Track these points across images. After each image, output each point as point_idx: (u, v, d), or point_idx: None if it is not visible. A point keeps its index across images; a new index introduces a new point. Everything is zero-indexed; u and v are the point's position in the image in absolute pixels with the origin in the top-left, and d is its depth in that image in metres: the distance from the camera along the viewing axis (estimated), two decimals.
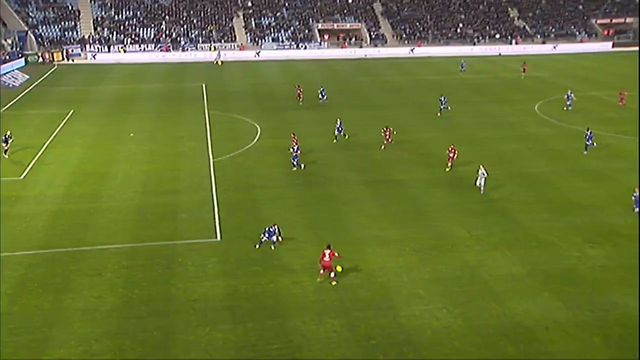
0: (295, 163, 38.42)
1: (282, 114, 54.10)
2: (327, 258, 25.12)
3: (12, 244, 28.36)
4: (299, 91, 57.53)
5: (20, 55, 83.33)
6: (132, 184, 36.41)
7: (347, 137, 45.35)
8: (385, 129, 40.58)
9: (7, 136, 41.88)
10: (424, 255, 27.69)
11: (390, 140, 42.37)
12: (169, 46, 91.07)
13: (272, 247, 27.92)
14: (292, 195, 34.71)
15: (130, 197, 34.33)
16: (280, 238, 27.94)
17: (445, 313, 23.34)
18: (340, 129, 45.16)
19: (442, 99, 53.02)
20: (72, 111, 54.71)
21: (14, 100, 59.79)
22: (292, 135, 40.87)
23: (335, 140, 44.79)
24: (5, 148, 41.39)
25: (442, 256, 27.66)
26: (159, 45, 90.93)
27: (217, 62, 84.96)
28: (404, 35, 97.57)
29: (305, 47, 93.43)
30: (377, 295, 24.52)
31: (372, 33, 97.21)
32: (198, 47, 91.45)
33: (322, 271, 25.30)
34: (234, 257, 27.49)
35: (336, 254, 25.21)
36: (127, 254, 27.63)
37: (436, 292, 24.73)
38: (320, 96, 56.62)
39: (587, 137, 41.35)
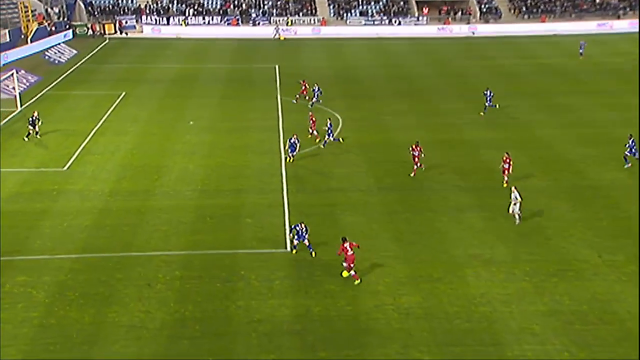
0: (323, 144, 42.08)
1: (369, 103, 54.26)
2: (351, 252, 26.71)
3: (52, 245, 29.90)
4: (303, 87, 54.06)
5: (67, 27, 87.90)
6: (189, 180, 37.56)
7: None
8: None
9: (34, 118, 44.31)
10: (540, 282, 26.96)
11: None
12: (238, 19, 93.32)
13: (313, 254, 28.63)
14: (377, 201, 34.74)
15: (187, 196, 35.44)
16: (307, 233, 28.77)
17: (567, 357, 22.61)
18: None
19: (488, 93, 50.43)
20: (123, 93, 57.08)
21: (59, 79, 63.09)
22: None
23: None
24: (30, 131, 43.79)
25: (563, 284, 26.83)
26: (226, 18, 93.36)
27: (277, 38, 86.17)
28: (524, 9, 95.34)
29: (400, 23, 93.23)
30: (478, 328, 24.09)
31: (483, 6, 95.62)
32: (272, 20, 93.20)
33: (351, 270, 26.85)
34: (305, 271, 27.77)
35: (354, 244, 27.03)
36: (181, 263, 28.47)
37: (555, 328, 24.00)
38: (314, 97, 51.84)
39: (629, 146, 38.50)
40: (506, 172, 36.22)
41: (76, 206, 34.12)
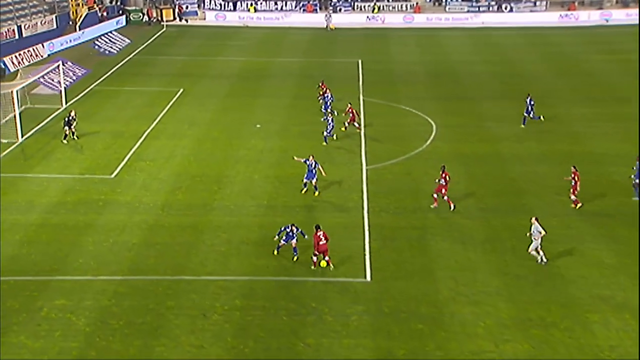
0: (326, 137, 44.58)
1: (469, 106, 53.72)
2: (323, 241, 29.70)
3: (96, 265, 30.65)
4: (323, 89, 52.56)
5: (120, 12, 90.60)
6: (254, 193, 37.96)
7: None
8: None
9: (69, 118, 45.73)
10: None
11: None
12: (315, 5, 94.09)
13: (295, 258, 30.74)
14: (474, 225, 34.22)
15: (250, 212, 35.79)
16: (304, 236, 31.20)
17: None
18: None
19: (528, 101, 48.56)
20: (181, 90, 58.32)
21: (110, 72, 65.02)
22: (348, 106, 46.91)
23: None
24: (66, 132, 45.23)
25: None
26: (301, 4, 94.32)
27: (328, 28, 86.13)
28: None
29: (511, 9, 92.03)
30: None
31: None
32: (355, 6, 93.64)
33: (314, 258, 29.99)
34: (388, 306, 27.56)
35: (327, 236, 29.86)
36: (242, 290, 28.70)
37: None
38: (323, 107, 50.29)
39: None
40: (573, 190, 35.83)
41: (124, 220, 34.94)
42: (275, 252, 31.27)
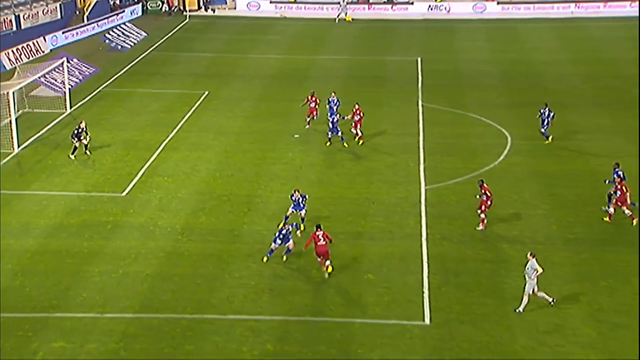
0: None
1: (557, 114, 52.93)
2: (322, 242, 31.79)
3: (102, 300, 30.72)
4: (311, 103, 50.92)
5: (136, 0, 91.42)
6: (290, 217, 37.77)
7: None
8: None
9: (79, 130, 45.45)
10: None
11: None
12: None
13: (284, 257, 33.26)
14: (563, 259, 33.77)
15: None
16: (298, 233, 34.19)
17: None
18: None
19: (545, 112, 47.27)
20: (206, 93, 58.77)
21: (122, 71, 65.82)
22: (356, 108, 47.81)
23: None
24: (75, 145, 45.22)
25: None
26: None
27: (338, 19, 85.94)
28: None
29: None
30: None
31: None
32: None
33: (319, 259, 32.09)
34: (452, 356, 27.33)
35: (329, 237, 32.08)
36: (275, 333, 28.59)
37: None
38: (329, 113, 49.15)
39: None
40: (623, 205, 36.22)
41: (136, 247, 35.07)
42: (265, 259, 33.32)
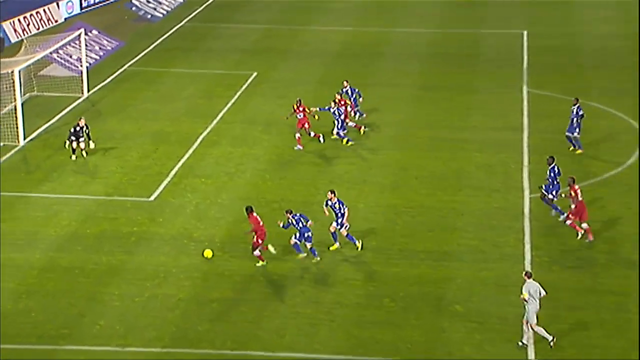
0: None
1: None
2: (261, 223, 34.73)
3: (124, 330, 30.76)
4: (298, 114, 47.69)
5: None
6: (358, 229, 37.36)
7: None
8: None
9: (77, 128, 44.85)
10: None
11: None
12: None
13: (315, 259, 35.00)
14: None
15: (351, 258, 35.45)
16: (310, 223, 35.40)
17: None
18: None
19: (575, 111, 45.50)
20: (254, 75, 59.02)
21: (152, 46, 66.35)
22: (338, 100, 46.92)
23: None
24: (74, 147, 44.76)
25: None
26: None
27: None
28: None
29: None
30: None
31: None
32: None
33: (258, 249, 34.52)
34: None
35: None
36: None
37: None
38: (352, 105, 49.85)
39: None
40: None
41: (166, 264, 35.13)
42: (300, 254, 35.20)
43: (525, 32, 68.45)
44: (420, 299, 32.43)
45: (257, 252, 34.60)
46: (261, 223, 34.54)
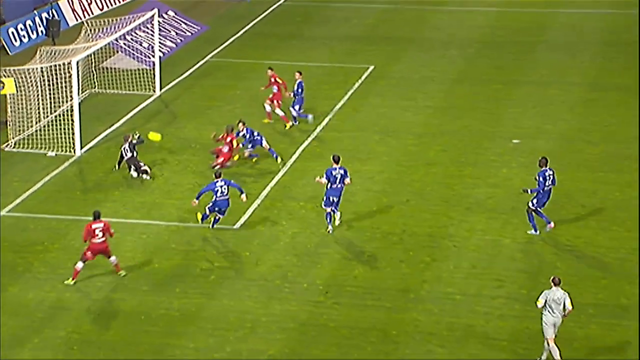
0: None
1: None
2: (100, 238, 35.87)
3: None
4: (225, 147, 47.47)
5: None
6: (503, 271, 37.66)
7: None
8: None
9: (130, 144, 44.48)
10: None
11: None
12: None
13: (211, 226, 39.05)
14: None
15: (495, 308, 35.19)
16: (243, 197, 39.97)
17: None
18: None
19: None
20: (370, 68, 59.79)
21: (241, 32, 67.47)
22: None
23: None
24: (130, 167, 45.05)
25: None
26: None
27: None
28: None
29: None
30: None
31: None
32: None
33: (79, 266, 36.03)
34: None
35: (112, 230, 36.15)
36: None
37: None
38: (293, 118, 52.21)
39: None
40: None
41: (253, 311, 35.35)
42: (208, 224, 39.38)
43: None
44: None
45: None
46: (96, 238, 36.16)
